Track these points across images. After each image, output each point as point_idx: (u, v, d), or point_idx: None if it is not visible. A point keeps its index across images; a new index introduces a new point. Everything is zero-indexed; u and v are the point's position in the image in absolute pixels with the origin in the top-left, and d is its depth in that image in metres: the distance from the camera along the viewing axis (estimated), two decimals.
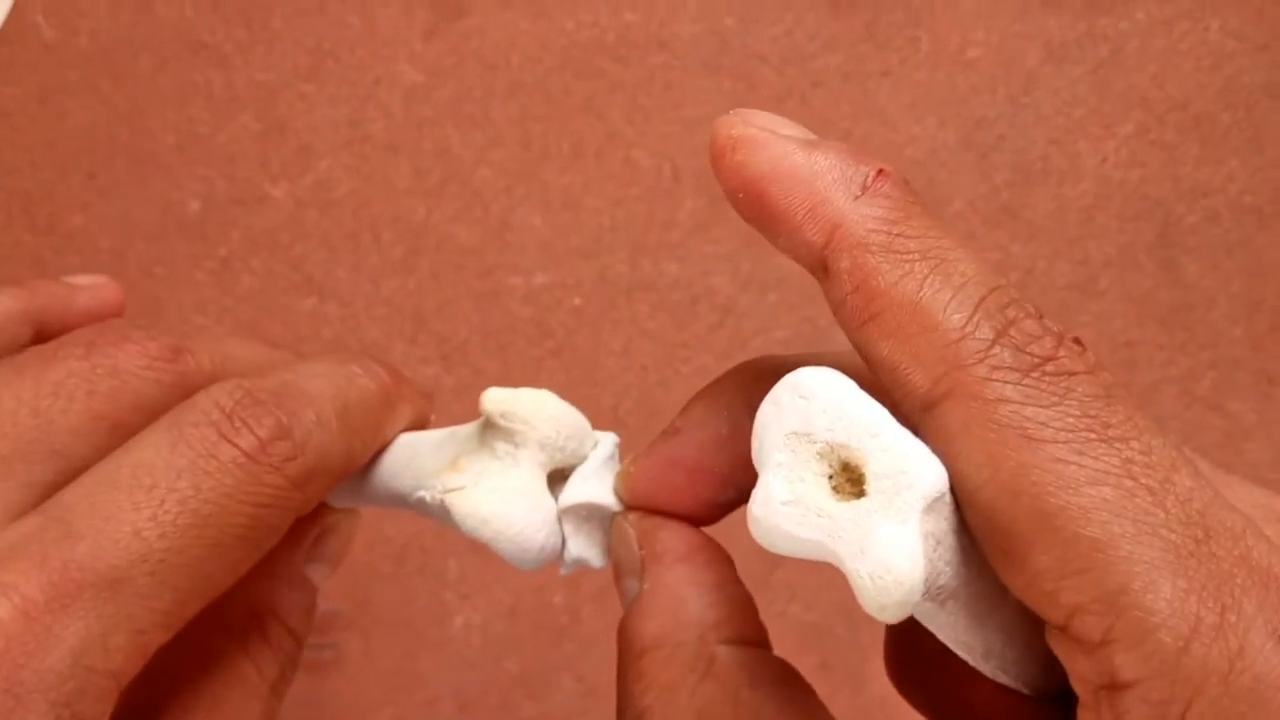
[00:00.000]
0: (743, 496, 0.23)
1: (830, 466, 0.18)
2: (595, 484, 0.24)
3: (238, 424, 0.21)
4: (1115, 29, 0.53)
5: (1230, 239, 0.52)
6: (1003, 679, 0.21)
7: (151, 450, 0.21)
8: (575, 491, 0.24)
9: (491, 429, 0.24)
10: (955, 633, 0.20)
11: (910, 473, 0.18)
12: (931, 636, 0.23)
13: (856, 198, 0.19)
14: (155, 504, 0.20)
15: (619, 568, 0.24)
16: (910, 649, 0.24)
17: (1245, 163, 0.52)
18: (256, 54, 0.52)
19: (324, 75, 0.52)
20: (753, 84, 0.52)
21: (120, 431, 0.22)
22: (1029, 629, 0.20)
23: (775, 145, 0.20)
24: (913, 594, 0.17)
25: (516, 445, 0.24)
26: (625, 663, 0.22)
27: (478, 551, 0.49)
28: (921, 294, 0.18)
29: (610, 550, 0.24)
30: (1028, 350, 0.18)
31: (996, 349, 0.18)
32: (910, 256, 0.18)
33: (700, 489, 0.23)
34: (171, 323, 0.50)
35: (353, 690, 0.48)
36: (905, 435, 0.18)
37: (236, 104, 0.51)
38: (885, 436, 0.18)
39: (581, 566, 0.25)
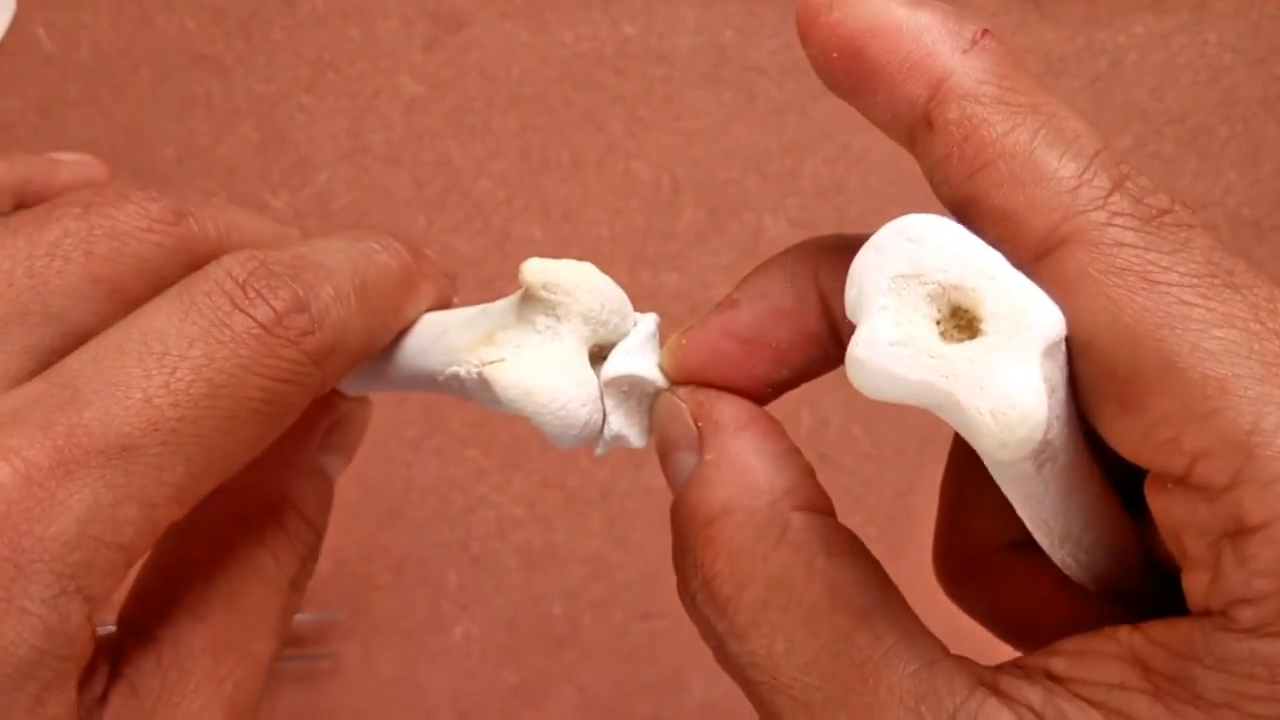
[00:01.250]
0: (798, 377, 0.22)
1: (939, 311, 0.18)
2: (639, 358, 0.23)
3: (252, 294, 0.20)
4: (1113, 42, 0.53)
5: (1228, 252, 0.52)
6: (1071, 568, 0.21)
7: (162, 317, 0.20)
8: (618, 364, 0.23)
9: (531, 302, 0.23)
10: (1040, 508, 0.20)
11: (1030, 312, 0.17)
12: (986, 536, 0.23)
13: (965, 52, 0.19)
14: (167, 371, 0.19)
15: (669, 443, 0.23)
16: (964, 550, 0.24)
17: (1243, 175, 0.53)
18: (256, 65, 0.52)
19: (324, 87, 0.52)
20: (751, 96, 0.52)
21: (119, 297, 0.21)
22: (1109, 514, 0.20)
23: (875, 2, 0.19)
24: (1036, 431, 0.17)
25: (558, 318, 0.23)
26: (689, 533, 0.21)
27: (478, 562, 0.49)
28: (1035, 144, 0.18)
29: (657, 426, 0.23)
30: (1145, 201, 0.18)
31: (1115, 197, 0.18)
32: (1021, 109, 0.18)
33: (756, 364, 0.22)
34: None
35: (351, 700, 0.48)
36: (1022, 278, 0.18)
37: (236, 115, 0.51)
38: (1002, 278, 0.17)
39: (619, 445, 0.24)
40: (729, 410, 0.22)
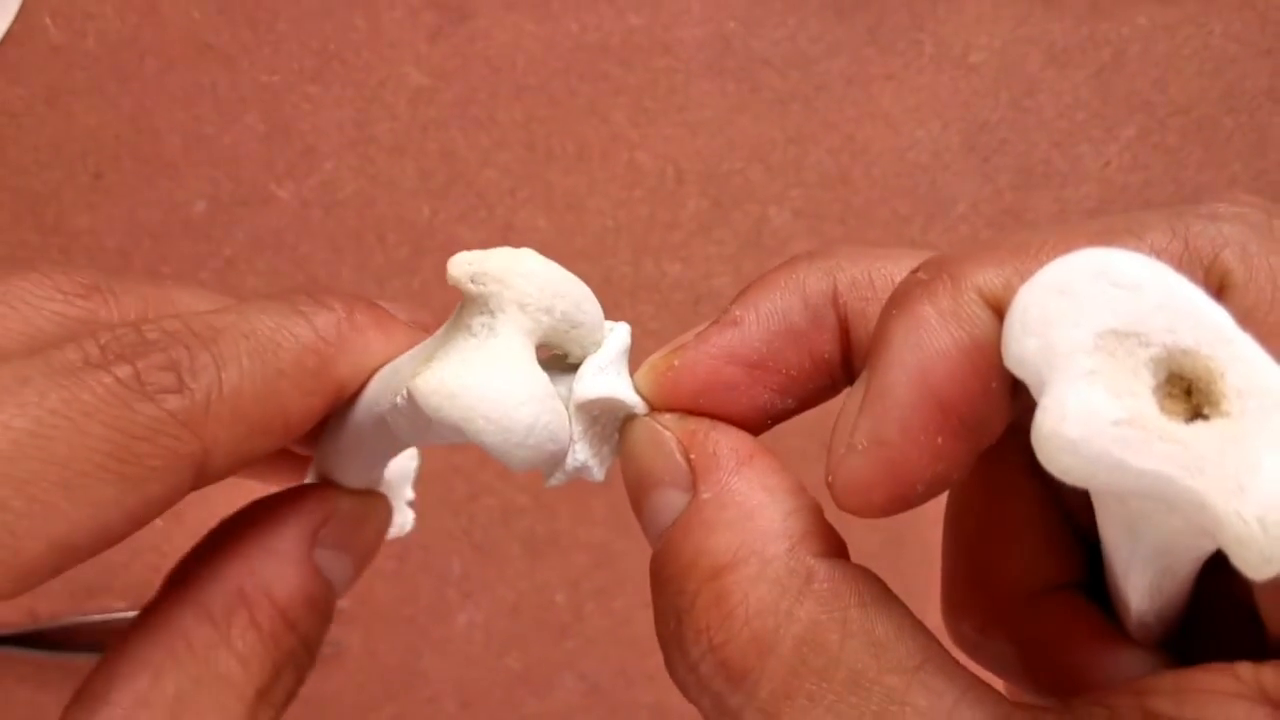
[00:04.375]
0: (799, 408, 0.20)
1: (1155, 378, 0.14)
2: (614, 376, 0.20)
3: (111, 356, 0.17)
4: (1117, 33, 0.53)
5: None
6: (1145, 625, 0.19)
7: (3, 366, 0.17)
8: (592, 384, 0.20)
9: (467, 305, 0.20)
10: (1161, 584, 0.18)
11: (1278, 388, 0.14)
12: (1018, 581, 0.21)
13: None
14: None
15: (647, 478, 0.19)
16: (990, 596, 0.21)
17: (1248, 166, 0.53)
18: (262, 56, 0.52)
19: (329, 77, 0.52)
20: (756, 87, 0.52)
21: None
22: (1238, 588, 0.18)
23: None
24: None
25: (493, 313, 0.19)
26: (687, 589, 0.18)
27: (481, 550, 0.49)
28: None
29: (633, 458, 0.20)
30: None
31: None
32: None
33: (759, 392, 0.19)
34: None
35: (354, 687, 0.48)
36: (1254, 342, 0.14)
37: (242, 105, 0.52)
38: (1240, 344, 0.14)
39: (579, 477, 0.20)
40: (727, 442, 0.19)
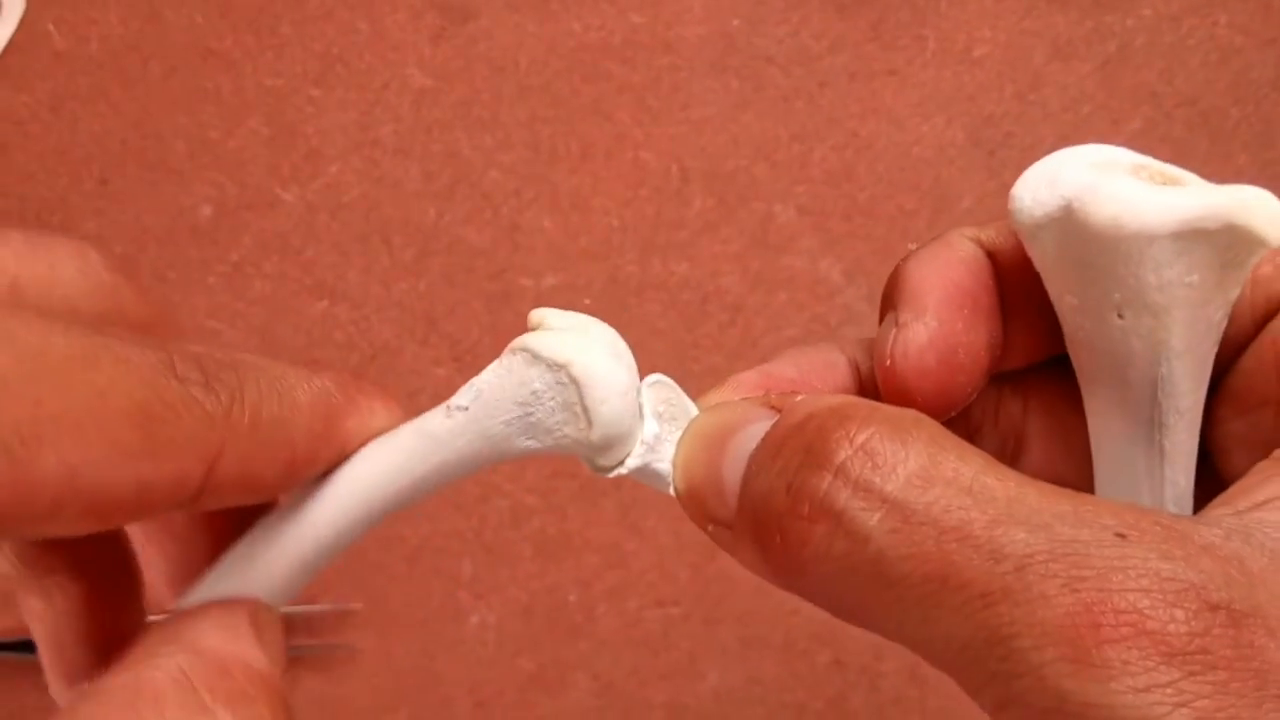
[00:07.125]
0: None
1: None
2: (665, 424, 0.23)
3: (146, 341, 0.18)
4: (1122, 25, 0.53)
5: None
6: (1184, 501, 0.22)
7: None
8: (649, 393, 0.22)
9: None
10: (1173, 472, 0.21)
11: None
12: None
13: None
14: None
15: (726, 430, 0.20)
16: None
17: (1255, 157, 0.52)
18: (265, 60, 0.52)
19: (333, 80, 0.52)
20: (759, 84, 0.52)
21: None
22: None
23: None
24: None
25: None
26: (813, 426, 0.18)
27: (492, 551, 0.49)
28: None
29: (709, 413, 0.22)
30: None
31: None
32: None
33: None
34: (185, 327, 0.50)
35: (368, 689, 0.48)
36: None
37: (246, 109, 0.52)
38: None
39: (649, 466, 0.22)
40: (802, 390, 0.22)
